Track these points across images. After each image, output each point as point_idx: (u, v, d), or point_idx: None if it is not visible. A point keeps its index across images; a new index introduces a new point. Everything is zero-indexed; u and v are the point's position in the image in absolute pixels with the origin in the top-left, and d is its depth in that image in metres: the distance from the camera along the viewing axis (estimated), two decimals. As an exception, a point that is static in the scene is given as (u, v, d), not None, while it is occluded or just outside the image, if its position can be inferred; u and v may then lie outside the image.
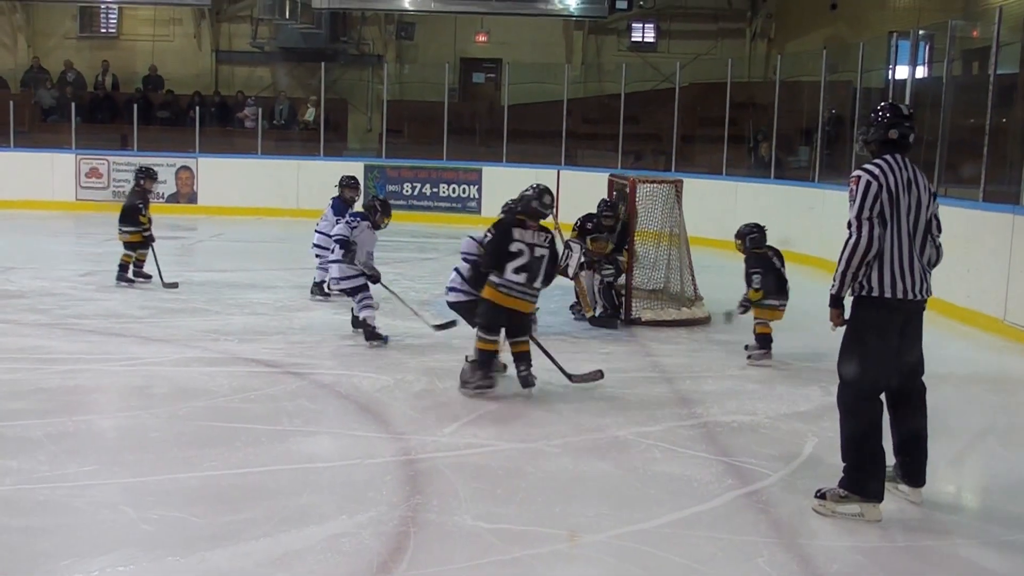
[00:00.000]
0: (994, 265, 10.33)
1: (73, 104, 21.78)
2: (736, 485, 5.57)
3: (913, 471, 5.37)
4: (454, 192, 19.88)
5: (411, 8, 23.81)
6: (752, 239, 8.82)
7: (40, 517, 4.85)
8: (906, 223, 5.05)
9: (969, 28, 15.49)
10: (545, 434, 6.35)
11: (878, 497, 5.10)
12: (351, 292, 8.90)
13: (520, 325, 7.28)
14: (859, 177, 5.08)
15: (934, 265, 5.25)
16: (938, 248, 5.24)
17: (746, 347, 8.75)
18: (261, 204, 20.59)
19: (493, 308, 7.19)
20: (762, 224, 8.98)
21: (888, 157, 5.10)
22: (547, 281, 7.30)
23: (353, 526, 4.81)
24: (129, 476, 5.46)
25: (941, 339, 10.21)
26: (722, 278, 12.26)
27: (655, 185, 10.97)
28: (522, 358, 7.30)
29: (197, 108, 21.86)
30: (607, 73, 24.24)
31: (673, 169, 18.29)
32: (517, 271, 7.10)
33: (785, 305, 8.79)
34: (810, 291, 12.81)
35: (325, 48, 24.59)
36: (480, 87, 26.05)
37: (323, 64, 22.18)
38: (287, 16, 23.03)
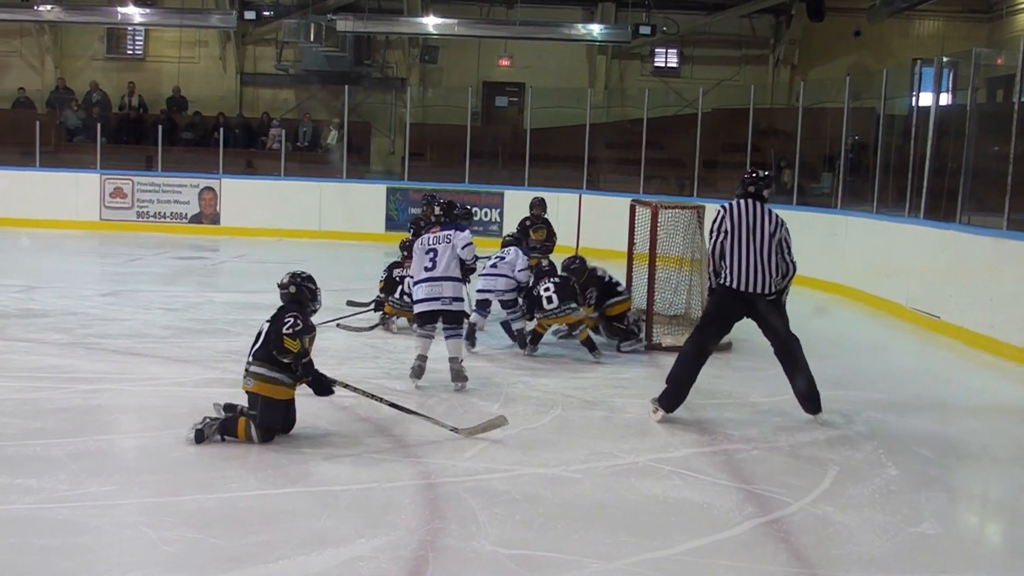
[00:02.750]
0: (1018, 294, 10.25)
1: (99, 125, 21.94)
2: (756, 513, 5.54)
3: (808, 402, 7.45)
4: (476, 216, 19.88)
5: (435, 32, 23.90)
6: (536, 271, 10.04)
7: (60, 536, 4.86)
8: (747, 242, 7.33)
9: (993, 56, 15.43)
10: (565, 460, 6.33)
11: (670, 410, 7.37)
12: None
13: None
14: (718, 211, 7.53)
15: (787, 276, 7.47)
16: (788, 263, 7.46)
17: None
18: (283, 226, 20.69)
19: None
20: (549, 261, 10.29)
21: (742, 200, 7.53)
22: None
23: (371, 550, 4.81)
24: (149, 496, 5.47)
25: (965, 369, 10.16)
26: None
27: (677, 211, 10.97)
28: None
29: (221, 130, 21.98)
30: (630, 98, 24.28)
31: (695, 194, 18.28)
32: None
33: (550, 313, 9.57)
34: (831, 318, 12.82)
35: (349, 71, 24.70)
36: (503, 111, 26.09)
37: (347, 87, 22.29)
38: (312, 39, 23.14)
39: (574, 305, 9.56)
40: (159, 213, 21.08)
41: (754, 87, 18.72)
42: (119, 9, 23.38)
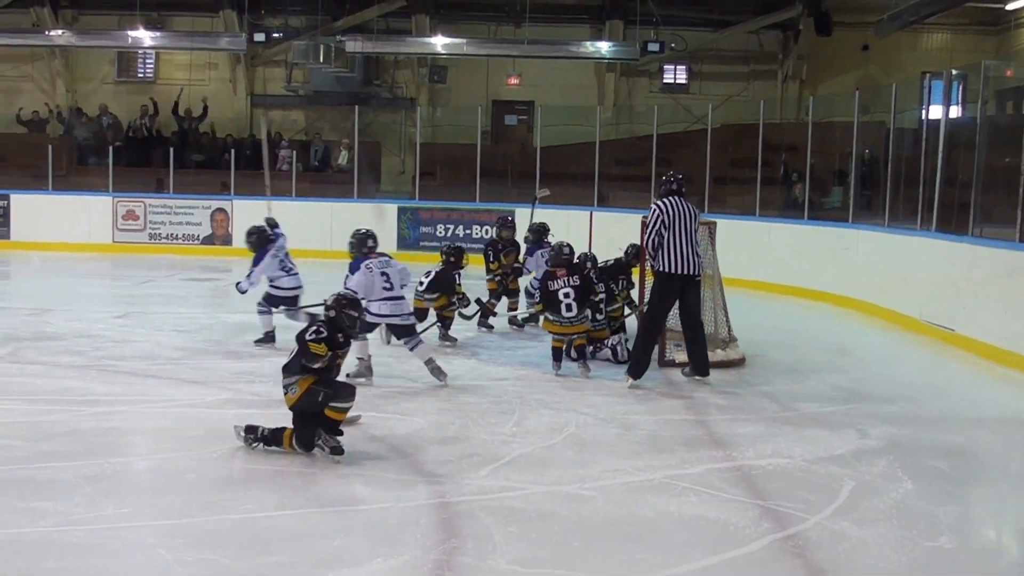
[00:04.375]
0: (1032, 306, 10.22)
1: (111, 147, 22.03)
2: (772, 529, 5.51)
3: (699, 367, 9.14)
4: (487, 233, 19.82)
5: (444, 52, 23.96)
6: (550, 255, 10.07)
7: (76, 559, 4.87)
8: (681, 232, 8.88)
9: (1002, 68, 15.44)
10: (580, 477, 6.32)
11: (637, 377, 8.95)
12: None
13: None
14: (652, 208, 9.04)
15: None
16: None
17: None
18: (295, 246, 20.51)
19: None
20: (568, 244, 10.05)
21: (668, 198, 9.03)
22: None
23: (388, 570, 4.80)
24: (164, 518, 5.48)
25: (979, 381, 10.11)
26: (756, 319, 12.22)
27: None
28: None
29: (232, 151, 22.04)
30: (639, 115, 24.26)
31: (706, 210, 18.22)
32: None
33: (563, 322, 9.49)
34: (846, 333, 12.79)
35: (359, 92, 24.77)
36: (512, 129, 26.12)
37: (356, 107, 22.33)
38: (321, 60, 23.21)
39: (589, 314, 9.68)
40: (171, 235, 21.14)
41: (763, 102, 18.70)
42: (129, 33, 23.49)
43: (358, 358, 8.90)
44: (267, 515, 5.56)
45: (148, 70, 26.33)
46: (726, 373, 9.75)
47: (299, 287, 11.17)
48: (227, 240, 21.04)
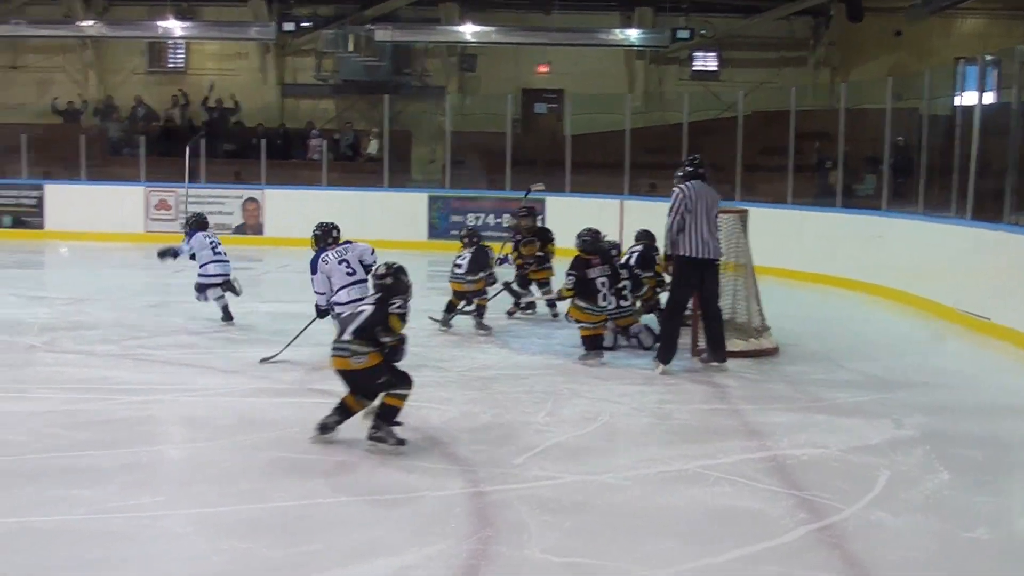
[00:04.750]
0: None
1: (143, 138, 22.15)
2: (808, 520, 5.48)
3: (717, 352, 9.18)
4: (513, 221, 19.85)
5: (473, 40, 23.94)
6: (583, 242, 9.73)
7: (112, 548, 4.91)
8: (702, 217, 8.90)
9: (1037, 53, 15.19)
10: (613, 466, 6.32)
11: (666, 362, 9.02)
12: None
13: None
14: (675, 192, 9.02)
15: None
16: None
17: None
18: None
19: None
20: (598, 230, 9.91)
21: (690, 183, 9.05)
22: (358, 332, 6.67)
23: (423, 558, 4.81)
24: (199, 507, 5.51)
25: (1016, 371, 10.00)
26: (789, 308, 12.15)
27: (720, 215, 10.86)
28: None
29: (263, 140, 22.09)
30: (669, 103, 24.17)
31: (737, 198, 18.12)
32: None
33: (599, 311, 9.48)
34: (878, 321, 12.71)
35: (388, 80, 24.78)
36: (542, 118, 26.07)
37: (386, 96, 22.32)
38: (351, 49, 23.26)
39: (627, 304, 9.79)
40: (203, 224, 21.21)
41: (794, 89, 18.56)
42: (160, 23, 23.63)
43: None
44: (302, 504, 5.58)
45: (179, 60, 26.49)
46: (759, 362, 9.69)
47: (226, 274, 11.60)
48: (258, 229, 21.14)
